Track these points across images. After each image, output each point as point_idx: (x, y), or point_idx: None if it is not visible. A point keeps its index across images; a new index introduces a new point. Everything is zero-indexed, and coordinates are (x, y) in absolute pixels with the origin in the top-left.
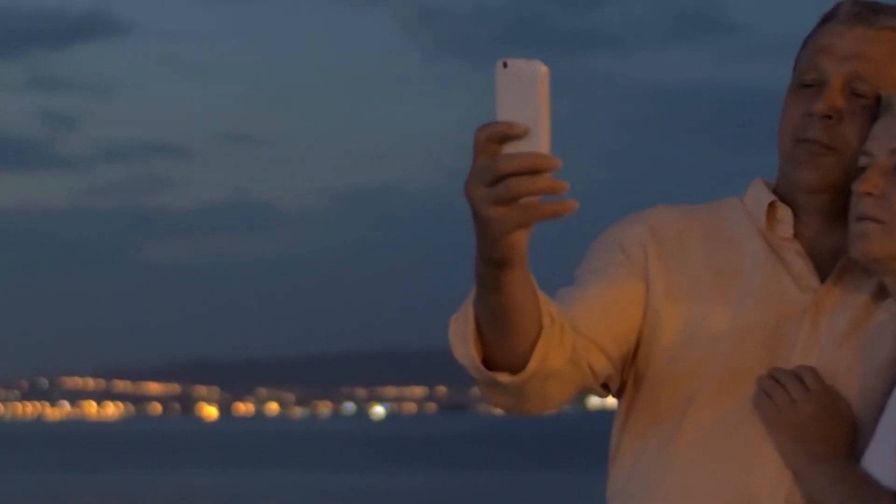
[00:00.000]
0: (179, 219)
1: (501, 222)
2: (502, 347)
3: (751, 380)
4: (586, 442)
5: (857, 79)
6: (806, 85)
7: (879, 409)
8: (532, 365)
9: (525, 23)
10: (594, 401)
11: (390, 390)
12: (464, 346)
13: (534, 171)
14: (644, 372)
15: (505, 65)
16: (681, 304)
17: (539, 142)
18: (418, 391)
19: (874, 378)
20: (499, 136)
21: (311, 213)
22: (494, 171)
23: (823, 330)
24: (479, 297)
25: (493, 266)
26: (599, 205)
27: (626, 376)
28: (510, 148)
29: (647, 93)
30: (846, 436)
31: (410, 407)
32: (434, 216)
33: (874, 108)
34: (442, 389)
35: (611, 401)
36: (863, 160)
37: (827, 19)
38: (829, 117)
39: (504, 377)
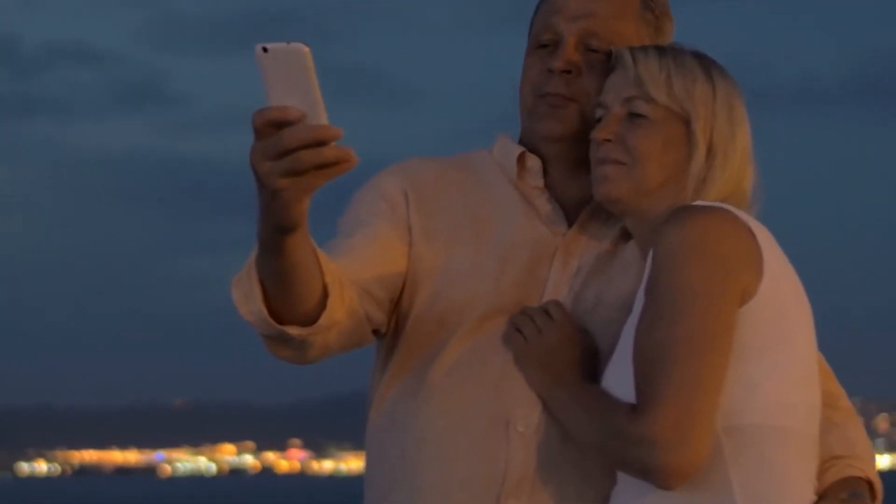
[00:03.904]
0: None
1: (290, 191)
2: (287, 305)
3: (506, 318)
4: None
5: (590, 35)
6: (543, 45)
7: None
8: (322, 319)
9: None
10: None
11: None
12: (251, 304)
13: (318, 144)
14: (407, 313)
15: (265, 49)
16: (441, 247)
17: (318, 116)
18: None
19: (616, 311)
20: (274, 122)
21: None
22: (281, 147)
23: (572, 269)
24: (263, 260)
25: (278, 232)
26: (52, 276)
27: (391, 319)
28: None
29: (90, 160)
30: (587, 362)
31: None
32: None
33: (607, 64)
34: None
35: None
36: (599, 112)
37: None
38: (568, 72)
39: (294, 330)
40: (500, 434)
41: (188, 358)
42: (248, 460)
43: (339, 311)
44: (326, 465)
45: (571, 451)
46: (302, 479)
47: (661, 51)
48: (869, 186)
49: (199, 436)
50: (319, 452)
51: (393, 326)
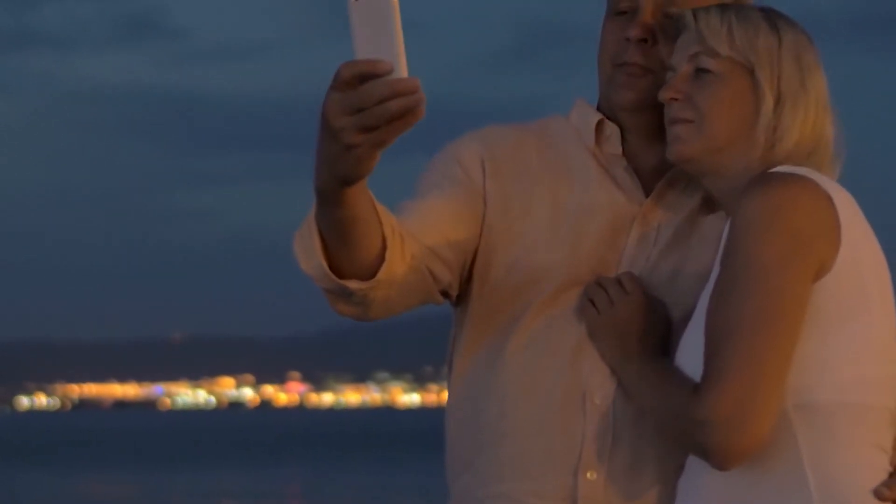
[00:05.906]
0: None
1: (364, 147)
2: (346, 259)
3: (582, 288)
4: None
5: (668, 2)
6: (620, 12)
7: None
8: (381, 273)
9: None
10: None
11: None
12: (311, 258)
13: (395, 97)
14: (483, 282)
15: None
16: (518, 216)
17: (399, 69)
18: None
19: (695, 282)
20: (364, 75)
21: None
22: (359, 103)
23: (650, 239)
24: (322, 212)
25: (340, 183)
26: (49, 209)
27: (464, 287)
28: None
29: (88, 95)
30: (660, 335)
31: None
32: None
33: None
34: None
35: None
36: (669, 75)
37: None
38: (645, 41)
39: (354, 284)
40: (576, 407)
41: (187, 291)
42: (247, 393)
43: (399, 266)
44: (326, 398)
45: (648, 424)
46: (301, 412)
47: (723, 7)
48: (868, 117)
49: (198, 369)
50: (318, 385)
51: (468, 295)
